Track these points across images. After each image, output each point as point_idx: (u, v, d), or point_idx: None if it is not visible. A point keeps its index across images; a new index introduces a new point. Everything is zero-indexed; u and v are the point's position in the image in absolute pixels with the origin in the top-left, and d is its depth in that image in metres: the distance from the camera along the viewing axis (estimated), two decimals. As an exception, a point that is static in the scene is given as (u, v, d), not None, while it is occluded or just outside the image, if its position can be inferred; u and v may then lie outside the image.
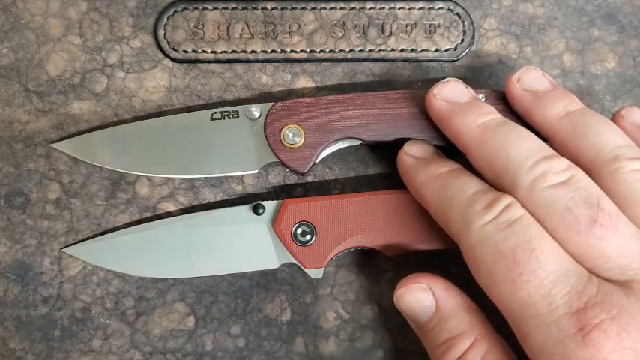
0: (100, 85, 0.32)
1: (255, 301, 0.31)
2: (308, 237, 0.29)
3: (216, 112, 0.31)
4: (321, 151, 0.30)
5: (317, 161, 0.30)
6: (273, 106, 0.30)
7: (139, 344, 0.31)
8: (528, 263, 0.23)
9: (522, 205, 0.24)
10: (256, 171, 0.30)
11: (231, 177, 0.32)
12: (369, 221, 0.29)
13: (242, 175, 0.31)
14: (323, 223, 0.29)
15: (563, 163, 0.25)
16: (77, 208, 0.31)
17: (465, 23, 0.33)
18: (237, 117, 0.31)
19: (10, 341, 0.31)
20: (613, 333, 0.21)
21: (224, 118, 0.31)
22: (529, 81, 0.28)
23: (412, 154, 0.29)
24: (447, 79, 0.29)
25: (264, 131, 0.30)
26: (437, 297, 0.27)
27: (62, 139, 0.32)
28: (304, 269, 0.29)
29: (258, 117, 0.30)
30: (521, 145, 0.25)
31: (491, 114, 0.27)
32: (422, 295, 0.27)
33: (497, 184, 0.26)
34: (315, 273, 0.29)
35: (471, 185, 0.26)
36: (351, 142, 0.31)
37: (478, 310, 0.26)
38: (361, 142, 0.30)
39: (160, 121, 0.31)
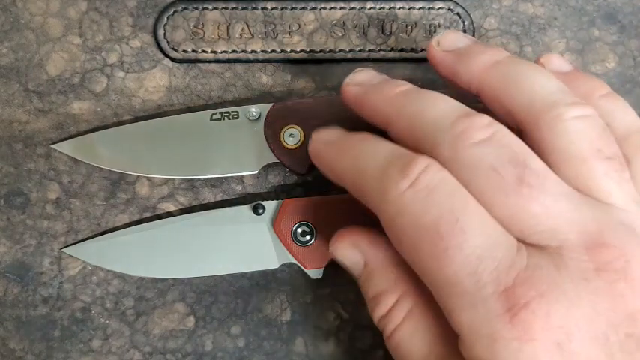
0: (100, 85, 0.32)
1: (255, 301, 0.31)
2: (308, 237, 0.29)
3: (215, 113, 0.31)
4: None
5: None
6: (272, 106, 0.30)
7: (138, 344, 0.31)
8: (453, 236, 0.21)
9: (446, 166, 0.22)
10: (256, 172, 0.30)
11: (231, 177, 0.32)
12: (369, 222, 0.29)
13: (242, 176, 0.31)
14: (323, 223, 0.29)
15: (485, 118, 0.22)
16: (77, 208, 0.31)
17: (465, 23, 0.33)
18: (237, 117, 0.31)
19: (10, 341, 0.31)
20: (542, 312, 0.20)
21: (224, 119, 0.31)
22: (449, 42, 0.26)
23: (321, 138, 0.27)
24: (359, 69, 0.27)
25: (264, 132, 0.30)
26: (363, 252, 0.26)
27: (62, 139, 0.31)
28: (304, 269, 0.29)
29: (258, 117, 0.30)
30: (438, 106, 0.23)
31: (405, 84, 0.25)
32: (349, 253, 0.26)
33: (420, 152, 0.23)
34: (315, 273, 0.29)
35: (384, 149, 0.24)
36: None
37: (407, 265, 0.24)
38: None
39: (159, 121, 0.31)
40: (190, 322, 0.31)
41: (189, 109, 0.32)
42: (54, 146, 0.31)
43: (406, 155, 0.23)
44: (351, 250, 0.26)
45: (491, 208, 0.21)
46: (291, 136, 0.30)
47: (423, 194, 0.22)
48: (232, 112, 0.31)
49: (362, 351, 0.31)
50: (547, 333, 0.20)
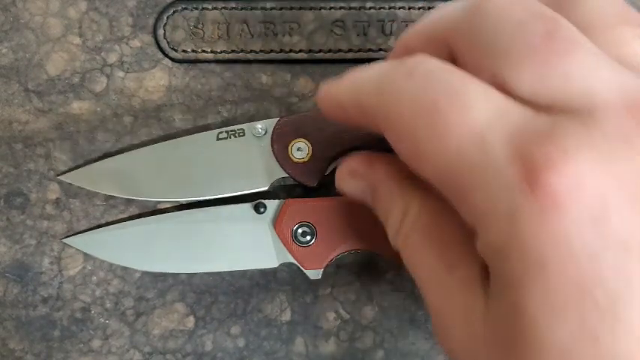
0: (100, 84, 0.32)
1: (255, 302, 0.31)
2: (308, 237, 0.29)
3: (222, 132, 0.31)
4: (330, 163, 0.30)
5: (326, 173, 0.31)
6: (278, 121, 0.30)
7: (138, 344, 0.31)
8: (453, 106, 0.18)
9: (464, 50, 0.19)
10: (267, 187, 0.30)
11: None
12: (370, 224, 0.29)
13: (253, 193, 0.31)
14: (324, 224, 0.29)
15: None
16: (77, 208, 0.31)
17: (465, 23, 0.33)
18: (244, 135, 0.31)
19: (10, 341, 0.31)
20: (570, 171, 0.16)
21: (230, 138, 0.31)
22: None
23: (327, 82, 0.24)
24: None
25: (272, 147, 0.30)
26: (364, 177, 0.24)
27: (68, 170, 0.31)
28: (303, 270, 0.29)
29: (264, 134, 0.30)
30: (447, 5, 0.21)
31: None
32: (352, 183, 0.24)
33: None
34: (314, 274, 0.29)
35: (382, 64, 0.21)
36: (359, 152, 0.31)
37: (408, 176, 0.22)
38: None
39: (164, 145, 0.31)
40: (190, 322, 0.31)
41: (189, 109, 0.32)
42: (62, 177, 0.31)
43: (403, 59, 0.20)
44: (353, 180, 0.24)
45: (517, 73, 0.18)
46: (299, 150, 0.30)
47: (421, 78, 0.19)
48: (238, 129, 0.31)
49: (362, 351, 0.31)
50: (580, 200, 0.16)
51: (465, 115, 0.18)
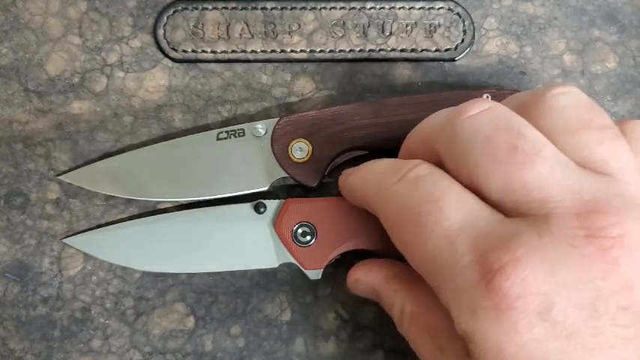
0: (100, 84, 0.32)
1: (255, 302, 0.31)
2: (308, 237, 0.29)
3: (222, 132, 0.31)
4: (330, 163, 0.30)
5: (326, 173, 0.30)
6: (278, 121, 0.30)
7: (138, 344, 0.31)
8: (432, 213, 0.21)
9: (446, 157, 0.23)
10: (267, 187, 0.30)
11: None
12: (370, 223, 0.29)
13: (253, 193, 0.31)
14: (324, 224, 0.29)
15: (483, 99, 0.23)
16: (77, 208, 0.31)
17: (466, 23, 0.33)
18: (244, 135, 0.31)
19: (10, 341, 0.31)
20: (518, 278, 0.19)
21: (230, 138, 0.31)
22: None
23: (346, 171, 0.29)
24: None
25: (272, 147, 0.30)
26: (365, 282, 0.28)
27: (69, 169, 0.31)
28: (303, 270, 0.29)
29: (265, 134, 0.30)
30: (437, 114, 0.25)
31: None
32: (358, 288, 0.28)
33: (428, 151, 0.25)
34: (314, 274, 0.29)
35: (386, 162, 0.26)
36: (359, 152, 0.31)
37: (399, 274, 0.26)
38: (370, 151, 0.30)
39: (165, 145, 0.31)
40: (190, 322, 0.31)
41: (189, 109, 0.32)
42: (62, 177, 0.31)
43: (402, 161, 0.24)
44: (358, 284, 0.28)
45: (486, 179, 0.21)
46: (300, 150, 0.30)
47: (410, 183, 0.23)
48: (238, 129, 0.31)
49: (362, 351, 0.31)
50: (525, 301, 0.19)
51: (440, 222, 0.21)
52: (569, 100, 0.22)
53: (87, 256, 0.31)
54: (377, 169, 0.26)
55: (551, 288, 0.19)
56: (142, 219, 0.31)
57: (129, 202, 0.31)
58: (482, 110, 0.22)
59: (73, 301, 0.31)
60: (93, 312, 0.31)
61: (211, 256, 0.30)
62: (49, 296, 0.31)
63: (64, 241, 0.31)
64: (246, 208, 0.30)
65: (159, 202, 0.31)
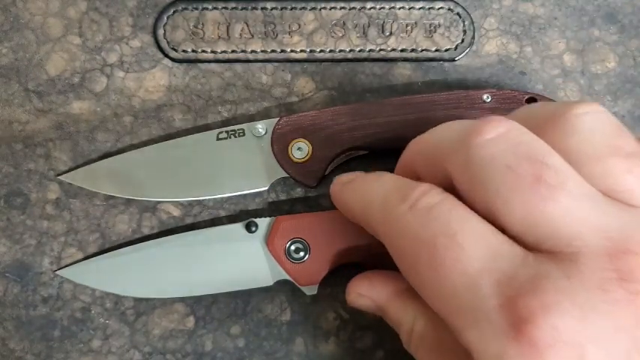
0: (100, 84, 0.32)
1: (255, 302, 0.31)
2: (302, 254, 0.29)
3: (222, 132, 0.31)
4: (330, 163, 0.30)
5: (327, 173, 0.30)
6: (278, 121, 0.30)
7: (138, 344, 0.31)
8: (450, 249, 0.20)
9: (459, 180, 0.21)
10: (266, 187, 0.30)
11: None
12: (363, 236, 0.29)
13: (253, 193, 0.31)
14: (317, 239, 0.29)
15: (499, 117, 0.21)
16: (77, 208, 0.31)
17: (466, 23, 0.33)
18: (244, 135, 0.31)
19: (10, 341, 0.31)
20: (548, 326, 0.18)
21: (230, 137, 0.31)
22: None
23: (340, 180, 0.27)
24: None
25: (272, 147, 0.30)
26: (369, 296, 0.26)
27: (69, 169, 0.31)
28: (298, 286, 0.29)
29: (265, 134, 0.30)
30: (448, 127, 0.23)
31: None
32: (360, 302, 0.27)
33: (433, 172, 0.23)
34: (310, 290, 0.29)
35: (389, 180, 0.24)
36: (359, 152, 0.31)
37: (409, 290, 0.24)
38: (369, 151, 0.30)
39: (165, 145, 0.31)
40: (190, 322, 0.31)
41: (189, 109, 0.32)
42: (62, 177, 0.31)
43: (408, 183, 0.23)
44: (360, 299, 0.27)
45: (506, 211, 0.20)
46: (299, 150, 0.30)
47: (422, 213, 0.21)
48: (238, 129, 0.31)
49: (362, 351, 0.31)
50: (557, 351, 0.18)
51: (460, 260, 0.20)
52: (595, 123, 0.21)
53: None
54: (379, 189, 0.24)
55: (583, 337, 0.18)
56: (133, 246, 0.30)
57: (129, 202, 0.31)
58: (500, 133, 0.21)
59: (73, 301, 0.31)
60: (93, 312, 0.31)
61: (205, 278, 0.30)
62: (49, 296, 0.31)
63: (58, 272, 0.31)
64: (238, 227, 0.30)
65: (159, 202, 0.31)
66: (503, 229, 0.20)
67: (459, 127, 0.22)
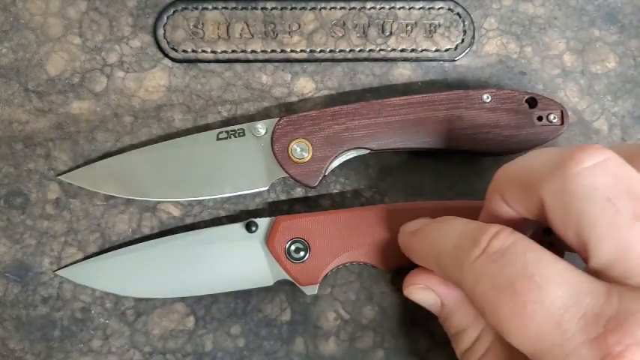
0: (100, 84, 0.32)
1: (255, 302, 0.31)
2: (302, 254, 0.29)
3: (222, 132, 0.31)
4: (330, 163, 0.30)
5: (326, 173, 0.30)
6: (278, 121, 0.30)
7: (138, 344, 0.31)
8: (530, 291, 0.20)
9: (552, 207, 0.21)
10: (267, 187, 0.30)
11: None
12: (363, 236, 0.29)
13: (253, 193, 0.31)
14: (316, 239, 0.29)
15: (595, 145, 0.21)
16: (77, 208, 0.31)
17: (466, 23, 0.33)
18: (244, 135, 0.31)
19: (10, 341, 0.31)
20: None
21: (230, 137, 0.31)
22: None
23: (406, 229, 0.28)
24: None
25: (272, 147, 0.30)
26: (438, 294, 0.26)
27: (69, 169, 0.31)
28: (299, 286, 0.29)
29: (265, 133, 0.30)
30: (538, 156, 0.23)
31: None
32: (424, 295, 0.27)
33: (527, 201, 0.23)
34: (310, 289, 0.29)
35: (457, 226, 0.24)
36: (359, 152, 0.31)
37: None
38: (369, 151, 0.30)
39: (165, 145, 0.31)
40: (190, 322, 0.31)
41: (189, 109, 0.32)
42: (62, 177, 0.31)
43: (477, 227, 0.23)
44: (426, 292, 0.27)
45: (599, 243, 0.20)
46: (300, 150, 0.30)
47: (495, 257, 0.21)
48: (238, 129, 0.31)
49: (362, 351, 0.31)
50: None
51: (541, 302, 0.20)
52: None
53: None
54: (448, 235, 0.24)
55: None
56: (133, 246, 0.30)
57: (129, 202, 0.31)
58: (597, 163, 0.21)
59: (73, 301, 0.31)
60: (93, 312, 0.31)
61: (206, 279, 0.30)
62: (49, 296, 0.31)
63: (58, 272, 0.31)
64: (237, 228, 0.30)
65: (159, 202, 0.31)
66: (585, 260, 0.21)
67: (555, 153, 0.22)
